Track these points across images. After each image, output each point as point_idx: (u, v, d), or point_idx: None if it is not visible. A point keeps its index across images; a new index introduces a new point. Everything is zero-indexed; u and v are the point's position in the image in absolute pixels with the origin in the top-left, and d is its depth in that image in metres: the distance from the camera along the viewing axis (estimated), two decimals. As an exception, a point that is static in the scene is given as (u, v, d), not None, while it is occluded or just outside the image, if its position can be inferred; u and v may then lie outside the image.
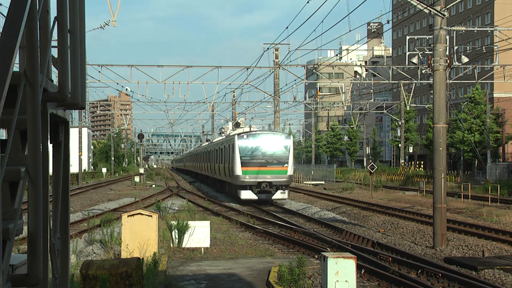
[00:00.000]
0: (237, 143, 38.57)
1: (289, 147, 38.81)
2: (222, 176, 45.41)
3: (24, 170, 3.76)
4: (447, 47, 23.22)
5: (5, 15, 6.68)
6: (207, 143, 72.12)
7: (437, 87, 21.59)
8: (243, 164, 37.94)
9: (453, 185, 54.90)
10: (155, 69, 65.51)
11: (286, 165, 38.16)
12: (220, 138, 57.32)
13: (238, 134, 39.62)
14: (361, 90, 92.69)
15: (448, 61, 21.55)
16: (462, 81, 60.27)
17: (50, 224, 4.41)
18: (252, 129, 49.67)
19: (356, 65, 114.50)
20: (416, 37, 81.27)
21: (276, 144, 38.75)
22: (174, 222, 19.85)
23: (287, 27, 41.57)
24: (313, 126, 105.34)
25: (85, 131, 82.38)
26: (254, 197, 37.76)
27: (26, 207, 3.90)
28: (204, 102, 65.51)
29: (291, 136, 40.51)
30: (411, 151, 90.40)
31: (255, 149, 38.41)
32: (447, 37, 25.37)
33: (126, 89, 55.85)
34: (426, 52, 50.43)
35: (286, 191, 38.58)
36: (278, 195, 38.03)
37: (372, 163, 49.49)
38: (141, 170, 76.03)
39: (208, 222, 20.31)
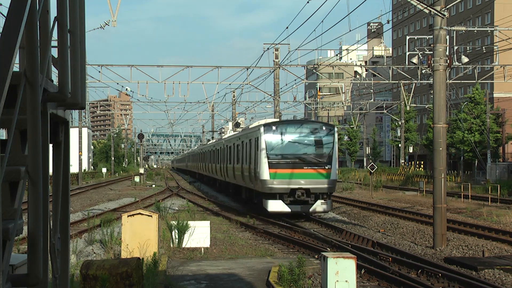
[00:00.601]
0: (263, 137, 29.21)
1: (332, 141, 29.48)
2: (239, 180, 36.22)
3: (24, 170, 3.76)
4: (447, 47, 23.22)
5: (5, 15, 6.68)
6: (214, 140, 65.39)
7: (437, 87, 21.59)
8: (271, 165, 28.72)
9: (453, 185, 54.90)
10: (155, 69, 65.58)
11: (328, 166, 28.91)
12: (236, 132, 47.14)
13: (265, 125, 30.13)
14: (361, 90, 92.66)
15: (448, 61, 21.55)
16: (462, 81, 60.26)
17: (50, 224, 4.41)
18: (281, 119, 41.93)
19: (356, 65, 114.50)
20: (416, 37, 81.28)
21: (315, 137, 29.62)
22: (174, 222, 19.85)
23: (287, 27, 41.54)
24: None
25: (85, 131, 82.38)
26: (286, 209, 28.48)
27: (26, 207, 3.90)
28: (204, 102, 65.49)
29: (335, 127, 30.50)
30: (411, 151, 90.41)
31: (288, 144, 29.35)
32: (447, 37, 25.36)
33: (126, 89, 55.82)
34: (426, 52, 50.41)
35: (329, 202, 29.05)
36: (318, 206, 28.64)
37: (372, 163, 49.52)
38: (141, 170, 76.02)
39: (208, 222, 20.31)
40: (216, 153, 49.64)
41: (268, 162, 28.76)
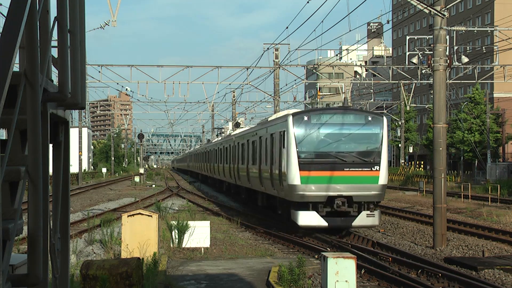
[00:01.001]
0: (292, 129, 22.98)
1: (381, 135, 23.28)
2: (255, 185, 30.26)
3: (24, 170, 3.76)
4: (447, 47, 23.23)
5: (5, 15, 6.68)
6: (218, 138, 60.78)
7: (437, 87, 21.60)
8: (302, 166, 22.61)
9: (453, 185, 54.91)
10: (155, 69, 65.55)
11: (376, 167, 22.91)
12: (253, 126, 40.65)
13: (295, 115, 23.85)
14: (361, 90, 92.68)
15: (448, 61, 21.56)
16: (462, 81, 60.28)
17: (50, 224, 4.41)
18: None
19: (356, 65, 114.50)
20: (416, 37, 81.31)
21: (359, 130, 23.52)
22: (174, 222, 19.86)
23: (287, 27, 41.56)
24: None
25: (85, 131, 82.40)
26: (322, 223, 22.53)
27: (26, 207, 3.90)
28: (204, 102, 65.52)
29: (384, 118, 24.00)
30: (411, 151, 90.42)
31: (324, 139, 23.37)
32: (447, 37, 25.37)
33: (126, 89, 55.85)
34: (426, 52, 50.44)
35: (377, 213, 22.92)
36: (362, 219, 22.74)
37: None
38: (141, 170, 76.05)
39: (208, 222, 20.32)
40: (224, 152, 43.55)
41: (299, 162, 22.56)
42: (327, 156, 22.89)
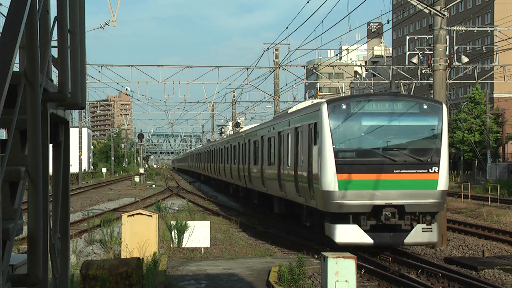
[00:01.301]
0: (327, 121, 18.34)
1: (440, 128, 18.89)
2: (272, 189, 25.75)
3: (24, 170, 3.76)
4: (447, 47, 23.24)
5: (5, 15, 6.68)
6: (223, 136, 56.88)
7: (437, 87, 21.60)
8: (340, 167, 18.00)
9: (453, 185, 54.90)
10: (155, 69, 65.57)
11: (435, 168, 18.36)
12: (267, 121, 34.90)
13: (330, 102, 19.01)
14: (361, 90, 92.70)
15: (448, 61, 21.58)
16: (462, 81, 60.31)
17: (50, 224, 4.41)
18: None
19: (356, 65, 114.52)
20: (416, 37, 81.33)
21: (413, 121, 18.93)
22: (173, 222, 19.86)
23: (287, 27, 41.57)
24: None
25: (85, 131, 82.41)
26: (367, 240, 17.87)
27: (26, 207, 3.90)
28: (204, 102, 65.57)
29: (443, 106, 19.53)
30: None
31: (368, 133, 18.71)
32: (447, 37, 25.38)
33: (126, 89, 55.89)
34: (426, 52, 50.44)
35: (435, 226, 18.28)
36: (417, 235, 18.11)
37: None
38: (141, 170, 76.08)
39: (208, 222, 20.32)
40: (232, 150, 39.34)
41: (336, 162, 17.94)
42: (372, 155, 18.31)
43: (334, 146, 18.03)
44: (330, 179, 17.87)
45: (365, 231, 17.83)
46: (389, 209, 17.90)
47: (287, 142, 23.10)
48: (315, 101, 24.10)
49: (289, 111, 26.10)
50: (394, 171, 18.15)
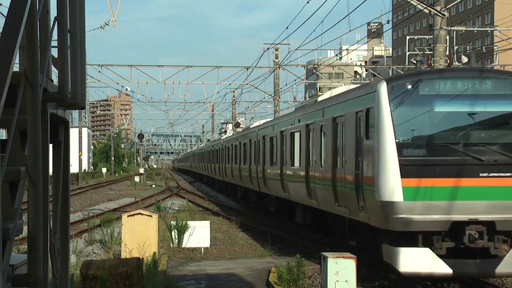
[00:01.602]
0: (387, 105, 13.46)
1: None
2: (298, 196, 21.36)
3: (24, 170, 3.76)
4: (447, 47, 23.25)
5: (5, 15, 6.69)
6: (229, 133, 52.60)
7: (437, 87, 21.56)
8: (406, 169, 13.21)
9: None
10: (155, 69, 65.59)
11: None
12: (286, 114, 31.03)
13: (390, 81, 13.85)
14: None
15: (448, 61, 21.58)
16: (462, 81, 60.22)
17: (50, 224, 4.41)
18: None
19: (356, 65, 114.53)
20: (416, 37, 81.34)
21: (505, 107, 13.92)
22: (173, 222, 19.86)
23: (287, 27, 41.60)
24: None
25: (85, 131, 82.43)
26: (443, 268, 12.87)
27: (26, 207, 3.90)
28: (204, 102, 65.55)
29: None
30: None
31: (442, 124, 13.93)
32: (447, 37, 25.39)
33: (126, 89, 55.88)
34: (426, 52, 50.45)
35: None
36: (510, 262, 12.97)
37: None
38: (141, 170, 76.09)
39: (208, 222, 20.32)
40: (241, 149, 35.17)
41: (400, 162, 13.25)
42: (450, 152, 13.47)
43: (397, 141, 13.31)
44: (392, 186, 13.20)
45: (440, 256, 13.00)
46: (474, 226, 13.09)
47: (320, 137, 18.52)
48: (339, 89, 20.69)
49: (319, 99, 21.43)
50: (481, 175, 13.42)
